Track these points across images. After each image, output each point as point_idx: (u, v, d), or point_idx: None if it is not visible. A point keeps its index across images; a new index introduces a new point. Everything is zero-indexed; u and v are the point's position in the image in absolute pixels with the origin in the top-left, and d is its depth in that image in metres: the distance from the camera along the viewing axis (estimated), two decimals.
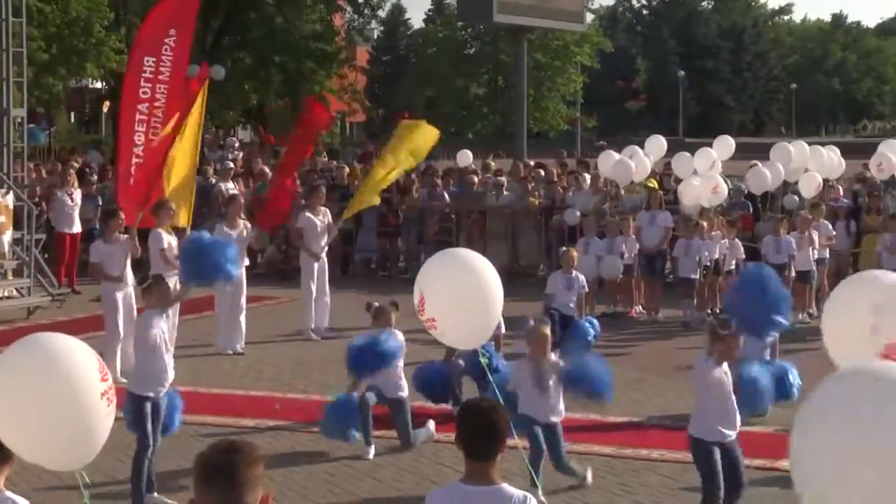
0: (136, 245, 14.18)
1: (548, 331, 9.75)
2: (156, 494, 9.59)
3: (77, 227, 20.48)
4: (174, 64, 14.49)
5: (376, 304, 11.41)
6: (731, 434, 8.55)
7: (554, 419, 9.58)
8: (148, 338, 9.51)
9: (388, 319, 11.12)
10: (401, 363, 11.11)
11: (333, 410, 11.04)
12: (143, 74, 14.44)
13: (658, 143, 24.10)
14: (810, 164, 21.70)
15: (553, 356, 9.74)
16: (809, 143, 23.75)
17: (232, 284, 15.15)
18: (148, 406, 9.45)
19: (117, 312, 13.88)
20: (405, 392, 11.12)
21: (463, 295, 8.23)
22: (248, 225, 15.94)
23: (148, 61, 14.34)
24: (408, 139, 16.47)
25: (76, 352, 5.86)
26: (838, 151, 23.09)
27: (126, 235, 14.09)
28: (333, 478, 10.25)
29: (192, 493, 3.99)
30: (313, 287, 16.63)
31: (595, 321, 15.40)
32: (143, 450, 9.42)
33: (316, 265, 16.72)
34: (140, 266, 14.70)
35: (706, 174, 20.88)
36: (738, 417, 8.59)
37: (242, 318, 15.68)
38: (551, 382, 9.52)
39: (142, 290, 10.14)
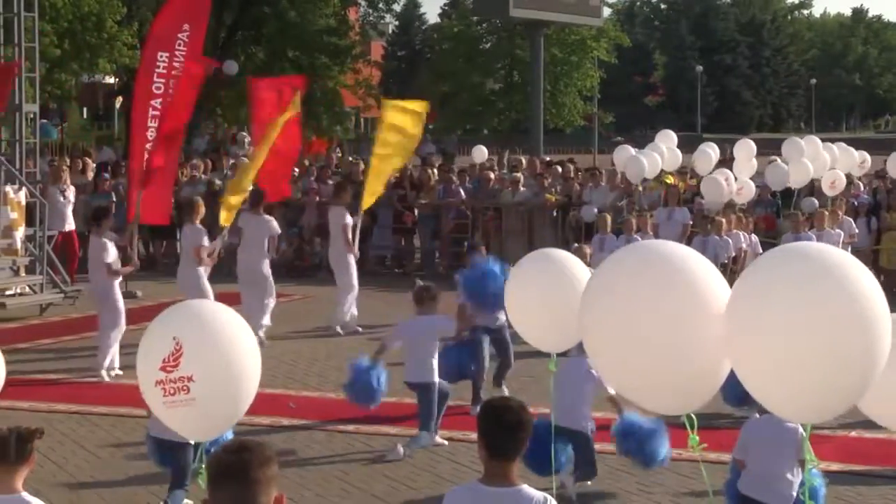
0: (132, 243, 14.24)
1: None
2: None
3: (70, 225, 20.27)
4: (187, 59, 14.38)
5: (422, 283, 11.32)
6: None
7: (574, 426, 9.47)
8: None
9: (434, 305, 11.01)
10: (434, 348, 10.92)
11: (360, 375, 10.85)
12: (157, 69, 14.34)
13: (668, 138, 23.92)
14: (828, 160, 21.58)
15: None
16: (828, 140, 23.63)
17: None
18: None
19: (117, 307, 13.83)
20: (435, 377, 10.90)
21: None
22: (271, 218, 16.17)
23: (161, 56, 14.23)
24: (393, 121, 16.56)
25: (159, 334, 6.04)
26: (851, 148, 23.01)
27: (116, 234, 14.19)
28: (348, 476, 10.14)
29: (206, 494, 3.93)
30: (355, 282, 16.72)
31: None
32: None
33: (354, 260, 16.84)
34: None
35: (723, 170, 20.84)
36: None
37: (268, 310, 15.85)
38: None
39: None
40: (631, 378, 5.47)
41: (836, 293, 4.86)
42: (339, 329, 16.42)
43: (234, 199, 15.11)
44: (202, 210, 15.08)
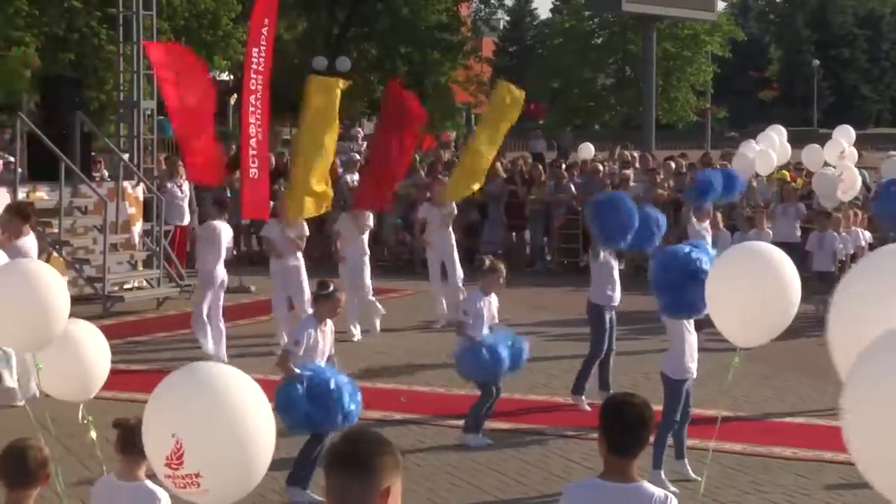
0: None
1: None
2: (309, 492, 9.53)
3: (186, 219, 20.55)
4: (267, 54, 14.81)
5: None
6: None
7: None
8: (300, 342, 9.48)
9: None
10: None
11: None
12: (253, 66, 14.71)
13: (778, 133, 23.47)
14: None
15: None
16: None
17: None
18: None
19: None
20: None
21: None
22: (369, 213, 16.34)
23: (254, 52, 14.61)
24: (501, 111, 16.98)
25: (155, 426, 5.33)
26: None
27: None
28: (457, 470, 10.17)
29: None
30: (437, 276, 16.95)
31: None
32: (312, 441, 9.39)
33: (438, 255, 16.97)
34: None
35: (839, 164, 20.39)
36: None
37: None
38: None
39: (316, 299, 9.89)
40: None
41: None
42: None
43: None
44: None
